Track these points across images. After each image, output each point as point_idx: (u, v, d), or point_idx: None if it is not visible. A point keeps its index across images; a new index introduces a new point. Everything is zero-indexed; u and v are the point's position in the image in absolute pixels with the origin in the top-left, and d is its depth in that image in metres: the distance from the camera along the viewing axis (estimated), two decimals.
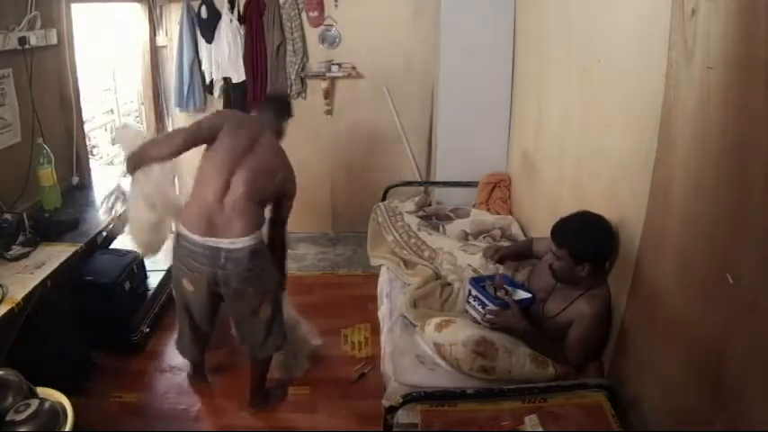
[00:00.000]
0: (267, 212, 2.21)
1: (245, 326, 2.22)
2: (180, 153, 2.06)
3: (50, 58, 2.60)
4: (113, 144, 4.27)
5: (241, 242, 1.98)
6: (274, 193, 2.13)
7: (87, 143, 3.07)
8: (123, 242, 3.04)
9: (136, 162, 2.07)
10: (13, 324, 1.90)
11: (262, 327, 2.19)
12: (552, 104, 2.47)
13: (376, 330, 2.55)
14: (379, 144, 3.85)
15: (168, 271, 3.09)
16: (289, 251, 2.36)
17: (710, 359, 1.28)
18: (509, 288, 1.96)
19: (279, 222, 2.26)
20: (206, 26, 3.55)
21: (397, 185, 3.31)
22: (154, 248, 2.26)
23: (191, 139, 2.05)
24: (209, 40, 3.56)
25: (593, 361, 1.84)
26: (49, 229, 2.22)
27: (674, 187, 1.44)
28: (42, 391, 1.49)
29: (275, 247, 2.28)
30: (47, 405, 1.39)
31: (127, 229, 2.15)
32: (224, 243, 1.97)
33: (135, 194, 2.12)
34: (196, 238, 1.98)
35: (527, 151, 2.86)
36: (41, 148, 2.40)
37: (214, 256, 1.98)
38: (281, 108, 2.34)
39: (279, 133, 2.29)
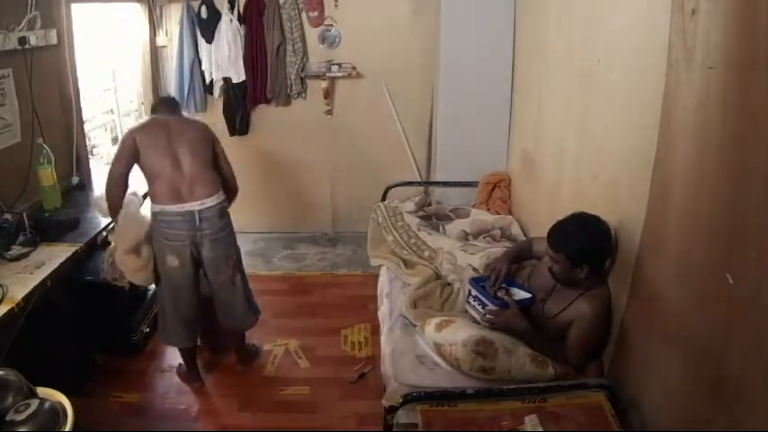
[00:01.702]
0: None
1: (227, 298, 2.42)
2: (126, 178, 2.27)
3: (50, 58, 2.60)
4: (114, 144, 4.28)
5: (210, 201, 2.25)
6: (213, 151, 2.38)
7: (87, 143, 3.07)
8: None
9: (112, 209, 2.29)
10: (13, 324, 1.90)
11: (240, 296, 2.44)
12: (552, 104, 2.47)
13: (376, 330, 2.56)
14: (379, 144, 3.85)
15: None
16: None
17: (710, 359, 1.28)
18: (509, 288, 1.96)
19: (225, 170, 2.45)
20: (206, 26, 3.55)
21: (397, 185, 3.31)
22: (143, 277, 2.37)
23: (124, 164, 2.25)
24: (209, 40, 3.56)
25: (593, 361, 1.84)
26: (48, 229, 2.22)
27: (674, 187, 1.44)
28: (42, 391, 1.49)
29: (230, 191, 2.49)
30: (47, 405, 1.38)
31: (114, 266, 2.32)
32: (196, 206, 2.23)
33: (118, 230, 2.30)
34: (172, 207, 2.22)
35: (527, 151, 2.86)
36: (41, 148, 2.40)
37: (191, 220, 2.23)
38: (173, 109, 2.49)
39: None
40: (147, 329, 2.76)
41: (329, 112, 3.80)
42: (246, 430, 2.29)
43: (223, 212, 2.31)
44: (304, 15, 3.59)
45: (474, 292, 1.98)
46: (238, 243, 2.49)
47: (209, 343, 2.69)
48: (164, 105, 2.48)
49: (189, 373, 2.51)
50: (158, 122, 2.34)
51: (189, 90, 3.65)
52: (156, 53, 3.73)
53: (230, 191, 2.47)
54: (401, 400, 1.61)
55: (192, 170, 2.25)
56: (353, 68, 3.63)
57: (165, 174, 2.24)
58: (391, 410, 1.63)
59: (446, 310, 2.20)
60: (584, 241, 1.74)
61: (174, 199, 2.22)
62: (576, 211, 1.83)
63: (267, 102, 3.76)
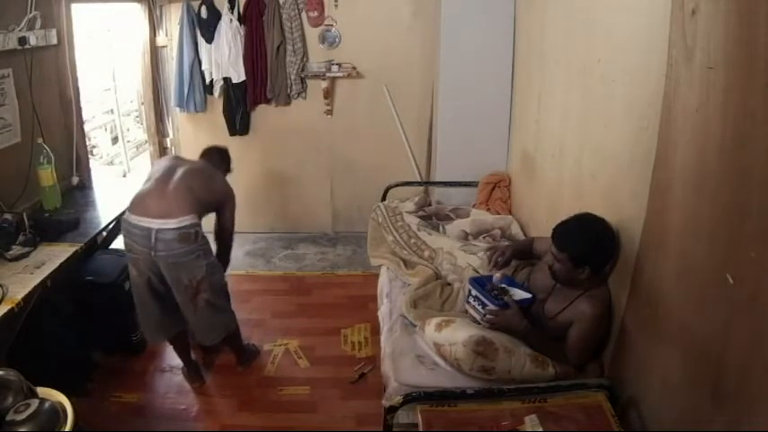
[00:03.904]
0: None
1: (186, 312, 2.31)
2: None
3: (50, 58, 2.60)
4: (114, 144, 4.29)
5: (172, 223, 2.09)
6: (211, 193, 2.33)
7: (87, 143, 3.08)
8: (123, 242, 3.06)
9: None
10: (13, 324, 1.90)
11: (203, 316, 2.30)
12: (552, 104, 2.47)
13: (376, 330, 2.55)
14: (379, 144, 3.85)
15: None
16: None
17: (710, 359, 1.28)
18: (509, 288, 1.96)
19: (222, 230, 2.47)
20: (206, 26, 3.55)
21: (397, 185, 3.31)
22: None
23: None
24: (209, 40, 3.56)
25: (593, 361, 1.84)
26: (48, 229, 2.23)
27: (674, 187, 1.44)
28: (42, 391, 1.49)
29: (221, 247, 2.49)
30: (47, 405, 1.38)
31: None
32: (155, 223, 2.08)
33: None
34: (133, 218, 2.13)
35: (527, 151, 2.86)
36: (41, 148, 2.40)
37: (147, 237, 2.09)
38: (219, 160, 2.57)
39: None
40: None
41: (329, 112, 3.80)
42: (246, 430, 2.29)
43: (186, 237, 2.12)
44: (304, 15, 3.59)
45: (474, 292, 1.97)
46: (237, 243, 2.49)
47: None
48: (208, 157, 2.56)
49: (188, 372, 2.52)
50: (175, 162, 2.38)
51: (189, 90, 3.64)
52: (156, 53, 3.74)
53: (220, 244, 2.45)
54: (401, 400, 1.61)
55: (175, 185, 2.18)
56: (353, 68, 3.63)
57: (148, 184, 2.22)
58: (391, 410, 1.63)
59: (446, 310, 2.20)
60: (588, 243, 1.74)
61: (138, 208, 2.13)
62: (582, 212, 1.83)
63: (267, 102, 3.76)
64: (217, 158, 2.55)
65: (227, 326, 2.44)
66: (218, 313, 2.36)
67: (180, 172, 2.25)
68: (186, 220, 2.12)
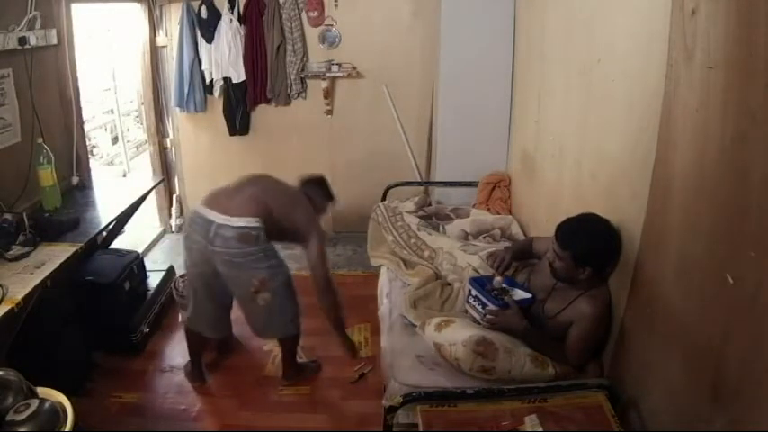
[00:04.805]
0: None
1: (244, 308, 2.30)
2: None
3: (50, 58, 2.60)
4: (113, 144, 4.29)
5: (233, 221, 2.04)
6: (287, 215, 2.19)
7: (87, 143, 3.08)
8: (123, 242, 3.06)
9: None
10: (13, 324, 1.90)
11: (260, 312, 2.24)
12: (552, 104, 2.47)
13: (376, 330, 2.55)
14: (379, 144, 3.85)
15: (168, 271, 3.10)
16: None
17: (710, 359, 1.28)
18: (509, 288, 1.96)
19: (313, 274, 2.22)
20: (206, 26, 3.55)
21: (397, 185, 3.31)
22: None
23: None
24: (209, 40, 3.56)
25: (592, 361, 1.84)
26: (49, 229, 2.22)
27: (674, 187, 1.44)
28: (42, 391, 1.49)
29: (325, 307, 2.28)
30: (47, 405, 1.38)
31: None
32: (217, 218, 2.06)
33: None
34: (200, 209, 2.13)
35: (527, 151, 2.86)
36: (41, 148, 2.40)
37: (206, 229, 2.07)
38: (319, 191, 2.47)
39: (319, 210, 2.44)
40: (147, 329, 2.76)
41: (329, 112, 3.80)
42: (246, 430, 2.29)
43: (245, 238, 2.05)
44: (304, 15, 3.59)
45: (474, 292, 1.97)
46: None
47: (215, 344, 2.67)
48: (308, 188, 2.44)
49: (191, 371, 2.51)
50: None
51: (189, 90, 3.64)
52: (156, 53, 3.74)
53: (319, 294, 2.22)
54: (401, 400, 1.61)
55: (246, 190, 2.17)
56: (353, 68, 3.63)
57: (228, 184, 2.24)
58: (391, 410, 1.63)
59: (446, 310, 2.20)
60: (591, 243, 1.74)
61: (208, 201, 2.14)
62: (587, 212, 1.83)
63: (267, 102, 3.76)
64: (312, 189, 2.43)
65: (285, 330, 2.36)
66: (278, 315, 2.29)
67: (265, 185, 2.24)
68: (249, 222, 2.06)
